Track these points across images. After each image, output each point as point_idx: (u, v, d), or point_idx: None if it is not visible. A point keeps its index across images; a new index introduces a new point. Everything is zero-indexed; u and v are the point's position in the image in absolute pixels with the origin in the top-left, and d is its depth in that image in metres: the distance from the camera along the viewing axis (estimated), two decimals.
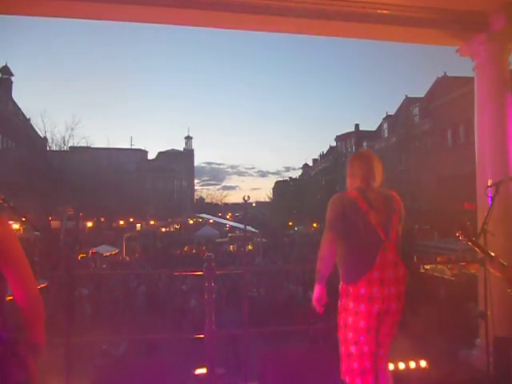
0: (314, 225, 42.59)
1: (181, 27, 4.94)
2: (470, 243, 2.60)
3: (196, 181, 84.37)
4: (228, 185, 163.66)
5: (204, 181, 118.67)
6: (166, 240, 36.14)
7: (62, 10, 4.15)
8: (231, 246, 32.99)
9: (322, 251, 2.55)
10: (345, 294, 2.50)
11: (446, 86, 26.99)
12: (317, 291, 2.59)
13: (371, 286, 2.40)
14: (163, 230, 40.36)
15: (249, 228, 25.02)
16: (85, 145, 29.87)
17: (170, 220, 40.75)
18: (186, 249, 31.74)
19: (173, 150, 68.39)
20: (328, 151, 54.50)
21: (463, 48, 4.73)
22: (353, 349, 2.47)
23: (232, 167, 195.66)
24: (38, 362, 1.76)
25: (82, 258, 22.04)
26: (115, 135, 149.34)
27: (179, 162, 62.88)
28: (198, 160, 78.47)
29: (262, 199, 72.88)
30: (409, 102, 33.12)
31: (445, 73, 29.29)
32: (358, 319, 2.42)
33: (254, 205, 74.17)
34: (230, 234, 36.74)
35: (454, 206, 18.96)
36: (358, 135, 44.33)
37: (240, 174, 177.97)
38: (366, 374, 2.48)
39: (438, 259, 16.43)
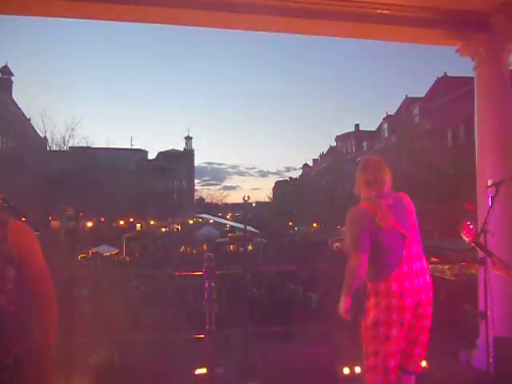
0: (314, 225, 42.60)
1: (181, 27, 4.94)
2: (473, 244, 2.62)
3: (197, 181, 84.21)
4: (229, 185, 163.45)
5: (205, 181, 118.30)
6: (166, 240, 36.11)
7: (62, 10, 4.15)
8: (231, 246, 32.96)
9: (355, 269, 2.49)
10: (374, 292, 2.53)
11: (445, 86, 27.01)
12: (347, 303, 2.53)
13: (402, 281, 2.46)
14: (163, 229, 40.33)
15: (249, 228, 25.01)
16: (85, 145, 29.91)
17: (170, 220, 40.71)
18: (186, 249, 31.71)
19: (173, 150, 68.22)
20: (328, 151, 54.50)
21: (463, 48, 4.73)
22: (381, 347, 2.48)
23: (233, 167, 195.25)
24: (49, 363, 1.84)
25: (81, 257, 22.03)
26: (115, 135, 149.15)
27: (179, 161, 62.80)
28: (199, 160, 78.44)
29: (262, 199, 72.94)
30: (409, 101, 33.14)
31: (445, 73, 29.37)
32: (391, 314, 2.45)
33: (254, 205, 74.10)
34: (230, 234, 36.68)
35: (454, 206, 18.97)
36: (358, 135, 44.36)
37: (241, 174, 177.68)
38: (389, 373, 2.50)
39: (438, 259, 16.42)
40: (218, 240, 35.53)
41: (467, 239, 2.63)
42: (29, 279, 1.80)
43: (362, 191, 2.69)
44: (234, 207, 73.10)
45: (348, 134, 46.73)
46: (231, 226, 37.52)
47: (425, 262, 2.60)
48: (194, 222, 47.10)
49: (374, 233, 2.52)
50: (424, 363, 3.69)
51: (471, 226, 2.64)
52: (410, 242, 2.54)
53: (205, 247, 30.22)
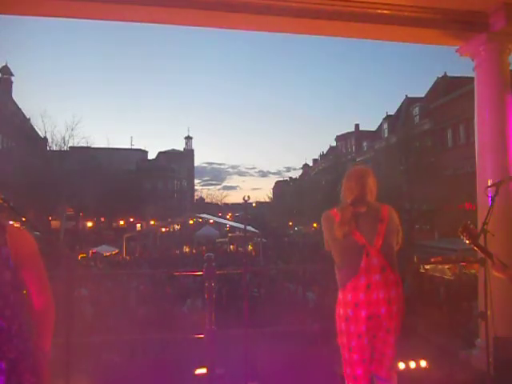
0: (314, 225, 42.60)
1: (181, 27, 4.93)
2: (473, 245, 2.60)
3: (197, 181, 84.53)
4: (229, 185, 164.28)
5: (205, 181, 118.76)
6: (166, 240, 36.11)
7: (62, 10, 4.14)
8: (231, 246, 32.96)
9: None
10: (338, 300, 2.59)
11: (445, 86, 27.00)
12: None
13: (357, 292, 2.47)
14: (163, 230, 40.33)
15: (249, 228, 24.99)
16: (85, 145, 29.94)
17: (170, 220, 40.70)
18: (186, 249, 31.72)
19: (173, 150, 68.24)
20: (328, 151, 54.54)
21: (463, 48, 4.73)
22: (347, 355, 2.54)
23: (233, 167, 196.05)
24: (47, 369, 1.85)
25: (81, 257, 22.03)
26: (115, 135, 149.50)
27: (179, 161, 62.81)
28: (199, 160, 78.78)
29: (262, 199, 73.04)
30: (409, 101, 33.15)
31: (445, 73, 29.32)
32: (349, 324, 2.49)
33: (254, 205, 74.23)
34: (230, 234, 36.69)
35: (454, 206, 18.95)
36: (358, 135, 44.36)
37: (241, 174, 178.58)
38: (358, 380, 2.53)
39: (438, 259, 16.45)
40: (218, 240, 35.54)
41: (467, 241, 2.61)
42: (25, 284, 1.81)
43: (343, 198, 2.75)
44: (233, 207, 73.23)
45: (348, 133, 46.74)
46: (231, 226, 37.50)
47: (390, 276, 2.52)
48: (194, 221, 47.12)
49: (333, 239, 2.59)
50: (424, 363, 3.70)
51: (471, 227, 2.63)
52: (372, 254, 2.50)
53: (204, 247, 30.19)
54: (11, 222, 1.86)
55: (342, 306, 2.52)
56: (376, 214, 2.62)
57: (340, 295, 2.55)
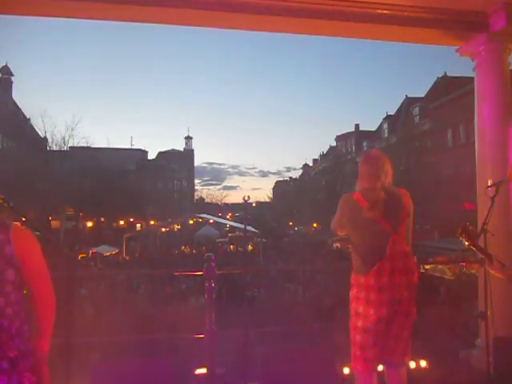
0: (314, 225, 42.61)
1: (181, 27, 4.93)
2: (472, 246, 2.60)
3: (197, 181, 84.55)
4: (229, 185, 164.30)
5: (205, 181, 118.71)
6: (166, 240, 36.10)
7: (62, 10, 4.14)
8: (231, 246, 32.96)
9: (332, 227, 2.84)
10: (356, 284, 2.59)
11: (445, 86, 27.02)
12: None
13: (381, 276, 2.48)
14: (163, 229, 40.33)
15: (249, 228, 24.99)
16: (85, 145, 29.97)
17: (170, 220, 40.71)
18: (186, 249, 31.71)
19: (173, 150, 68.21)
20: (328, 151, 54.55)
21: (463, 48, 4.73)
22: (359, 338, 2.54)
23: (233, 167, 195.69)
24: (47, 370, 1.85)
25: (81, 257, 22.03)
26: (115, 135, 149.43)
27: (179, 162, 62.78)
28: (199, 160, 78.48)
29: (262, 199, 73.10)
30: (409, 101, 33.19)
31: (445, 73, 29.38)
32: (369, 308, 2.49)
33: (254, 205, 74.22)
34: (230, 234, 36.70)
35: (454, 206, 18.97)
36: (358, 135, 44.39)
37: (241, 174, 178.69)
38: (368, 362, 2.54)
39: (438, 259, 16.42)
40: (218, 240, 35.54)
41: (466, 243, 2.61)
42: (29, 283, 1.81)
43: (362, 182, 2.71)
44: (233, 207, 73.21)
45: (348, 133, 46.77)
46: (231, 226, 37.50)
47: (411, 261, 2.57)
48: (194, 221, 47.11)
49: (356, 224, 2.58)
50: (424, 363, 3.70)
51: (470, 228, 2.62)
52: (396, 240, 2.53)
53: (204, 247, 30.18)
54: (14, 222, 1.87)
55: (364, 290, 2.51)
56: (398, 200, 2.62)
57: (361, 279, 2.54)
